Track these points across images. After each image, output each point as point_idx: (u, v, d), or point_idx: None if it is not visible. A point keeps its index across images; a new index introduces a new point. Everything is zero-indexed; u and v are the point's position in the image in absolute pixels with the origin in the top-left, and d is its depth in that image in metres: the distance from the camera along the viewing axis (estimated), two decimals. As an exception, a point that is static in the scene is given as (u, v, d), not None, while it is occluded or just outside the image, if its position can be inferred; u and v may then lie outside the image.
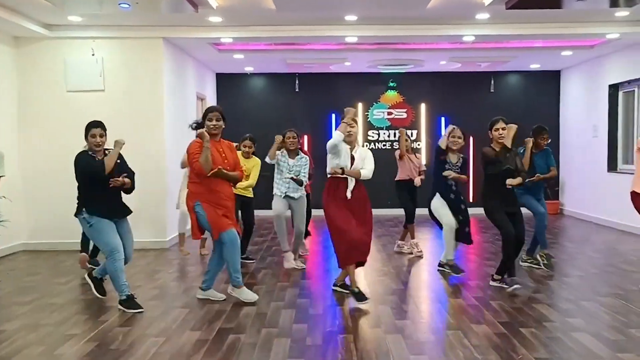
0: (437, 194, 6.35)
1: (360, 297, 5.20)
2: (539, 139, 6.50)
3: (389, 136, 12.09)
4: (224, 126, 5.24)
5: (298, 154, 6.78)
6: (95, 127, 5.08)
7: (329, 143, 5.31)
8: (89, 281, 5.44)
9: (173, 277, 6.45)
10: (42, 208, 8.13)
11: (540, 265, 6.51)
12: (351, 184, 5.37)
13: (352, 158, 5.42)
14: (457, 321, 4.74)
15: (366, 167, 5.43)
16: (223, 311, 5.02)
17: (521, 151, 6.33)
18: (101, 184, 5.01)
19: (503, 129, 5.61)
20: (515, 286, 5.55)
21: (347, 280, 5.49)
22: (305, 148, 10.66)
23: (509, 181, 5.46)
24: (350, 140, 5.40)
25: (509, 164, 5.53)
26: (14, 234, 7.93)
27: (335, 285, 5.67)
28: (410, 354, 3.99)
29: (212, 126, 5.15)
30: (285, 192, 6.68)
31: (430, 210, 6.48)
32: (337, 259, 5.40)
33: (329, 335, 4.38)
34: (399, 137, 7.55)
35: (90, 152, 5.08)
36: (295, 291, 5.72)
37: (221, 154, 5.19)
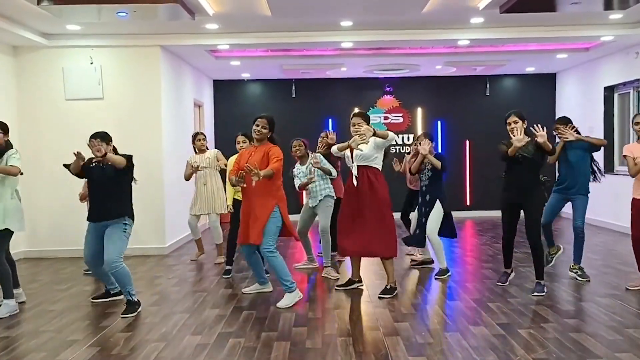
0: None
1: (343, 284, 5.89)
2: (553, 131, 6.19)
3: (386, 140, 12.12)
4: (268, 135, 5.46)
5: (308, 157, 6.62)
6: (93, 138, 5.10)
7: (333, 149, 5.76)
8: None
9: (173, 282, 6.47)
10: (41, 216, 8.15)
11: (584, 278, 6.16)
12: (354, 171, 5.54)
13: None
14: (455, 323, 4.78)
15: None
16: (223, 316, 5.05)
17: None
18: (90, 185, 5.22)
19: (515, 122, 5.53)
20: (541, 293, 5.54)
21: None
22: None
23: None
24: (364, 142, 5.46)
25: (524, 153, 5.49)
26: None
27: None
28: (409, 355, 4.02)
29: (253, 129, 5.46)
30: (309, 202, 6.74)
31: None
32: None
33: (328, 339, 4.42)
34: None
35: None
36: (295, 295, 5.76)
37: (249, 157, 5.41)
